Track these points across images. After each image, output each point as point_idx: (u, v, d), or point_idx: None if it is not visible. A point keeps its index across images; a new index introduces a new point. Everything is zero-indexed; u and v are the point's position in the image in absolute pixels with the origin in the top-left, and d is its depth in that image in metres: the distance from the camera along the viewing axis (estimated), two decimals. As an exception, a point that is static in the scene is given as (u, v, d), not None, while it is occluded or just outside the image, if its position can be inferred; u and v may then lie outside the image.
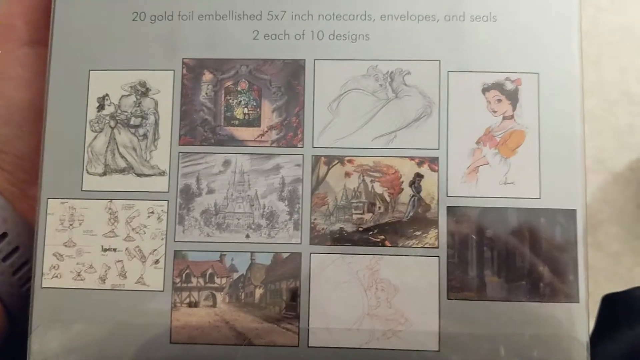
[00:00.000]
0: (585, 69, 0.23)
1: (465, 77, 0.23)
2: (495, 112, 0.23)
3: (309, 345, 0.22)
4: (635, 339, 0.27)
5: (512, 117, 0.23)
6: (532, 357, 0.22)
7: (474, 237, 0.22)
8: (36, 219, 0.23)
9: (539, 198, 0.23)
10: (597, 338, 0.28)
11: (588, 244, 0.23)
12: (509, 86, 0.23)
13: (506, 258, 0.22)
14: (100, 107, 0.24)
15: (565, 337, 0.22)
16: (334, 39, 0.23)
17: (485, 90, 0.23)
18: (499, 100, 0.23)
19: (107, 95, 0.24)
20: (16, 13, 0.25)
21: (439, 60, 0.23)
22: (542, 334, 0.22)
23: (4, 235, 0.24)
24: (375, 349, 0.22)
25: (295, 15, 0.23)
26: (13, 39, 0.25)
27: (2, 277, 0.24)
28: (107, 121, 0.23)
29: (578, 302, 0.22)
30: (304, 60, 0.23)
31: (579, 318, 0.22)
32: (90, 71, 0.24)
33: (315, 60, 0.23)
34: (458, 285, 0.22)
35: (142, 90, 0.23)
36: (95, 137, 0.23)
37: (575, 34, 0.23)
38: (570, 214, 0.22)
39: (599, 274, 0.22)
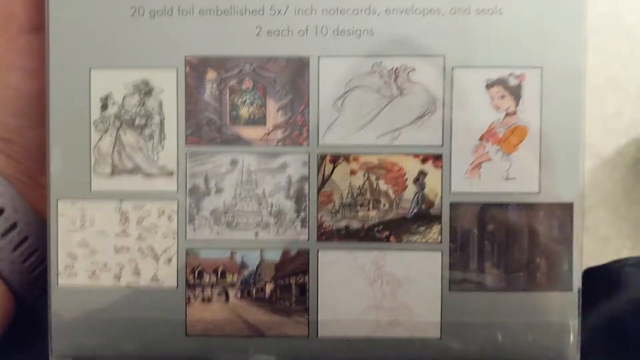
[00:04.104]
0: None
1: (469, 73, 0.23)
2: (498, 108, 0.23)
3: (319, 335, 0.23)
4: (613, 310, 0.29)
5: (514, 112, 0.23)
6: (527, 342, 0.23)
7: (475, 231, 0.23)
8: (47, 220, 0.24)
9: (539, 193, 0.23)
10: None
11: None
12: (513, 82, 0.23)
13: (506, 251, 0.23)
14: (104, 106, 0.23)
15: (558, 323, 0.23)
16: (338, 34, 0.23)
17: (489, 86, 0.23)
18: (502, 97, 0.23)
19: (110, 94, 0.23)
20: None
21: (444, 56, 0.23)
22: (537, 321, 0.23)
23: (14, 225, 0.25)
24: (381, 337, 0.23)
25: (299, 10, 0.23)
26: (13, 26, 0.24)
27: (12, 266, 0.25)
28: (111, 121, 0.23)
29: (571, 289, 0.23)
30: (308, 57, 0.23)
31: (571, 305, 0.23)
32: (92, 69, 0.23)
33: (319, 57, 0.23)
34: (460, 277, 0.23)
35: (146, 90, 0.23)
36: (101, 138, 0.23)
37: (581, 27, 0.23)
38: (568, 207, 0.23)
39: (588, 257, 0.23)
